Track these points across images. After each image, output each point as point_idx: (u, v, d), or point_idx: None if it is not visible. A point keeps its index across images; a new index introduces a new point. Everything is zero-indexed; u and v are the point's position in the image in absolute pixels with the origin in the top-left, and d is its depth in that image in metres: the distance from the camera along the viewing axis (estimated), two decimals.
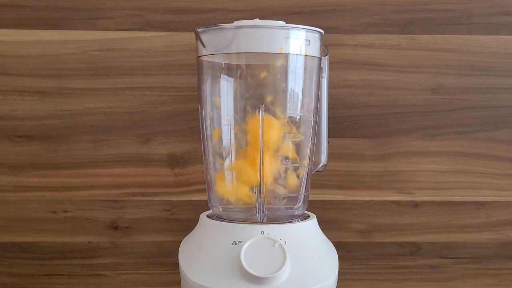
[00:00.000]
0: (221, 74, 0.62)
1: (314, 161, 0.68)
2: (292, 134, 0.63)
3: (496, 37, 0.80)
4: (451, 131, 0.81)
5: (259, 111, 0.61)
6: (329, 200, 0.81)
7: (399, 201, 0.81)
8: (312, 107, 0.65)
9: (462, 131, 0.81)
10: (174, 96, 0.79)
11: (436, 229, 0.82)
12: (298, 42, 0.60)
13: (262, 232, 0.58)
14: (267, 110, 0.61)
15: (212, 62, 0.63)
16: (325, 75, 0.68)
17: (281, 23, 0.60)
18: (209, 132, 0.64)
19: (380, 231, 0.82)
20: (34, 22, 0.78)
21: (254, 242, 0.57)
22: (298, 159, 0.64)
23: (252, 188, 0.62)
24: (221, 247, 0.58)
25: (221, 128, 0.63)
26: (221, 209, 0.64)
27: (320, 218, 0.65)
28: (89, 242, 0.81)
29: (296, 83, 0.62)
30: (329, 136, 0.70)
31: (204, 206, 0.69)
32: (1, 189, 0.79)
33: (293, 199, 0.65)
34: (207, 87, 0.64)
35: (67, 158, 0.79)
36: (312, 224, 0.63)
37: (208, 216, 0.64)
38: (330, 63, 0.69)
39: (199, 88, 0.65)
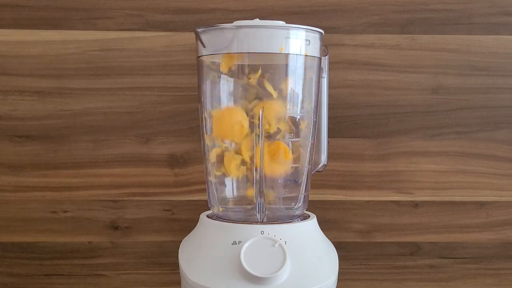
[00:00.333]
0: (221, 74, 0.62)
1: (314, 161, 0.68)
2: (292, 134, 0.63)
3: (496, 37, 0.80)
4: (451, 131, 0.81)
5: (258, 111, 0.61)
6: (329, 200, 0.81)
7: (399, 201, 0.81)
8: (312, 107, 0.65)
9: (462, 131, 0.81)
10: (174, 96, 0.79)
11: (436, 229, 0.82)
12: (298, 42, 0.60)
13: (262, 232, 0.58)
14: (267, 110, 0.61)
15: (212, 62, 0.63)
16: (325, 75, 0.68)
17: (281, 23, 0.60)
18: (209, 132, 0.64)
19: (380, 231, 0.82)
20: (34, 22, 0.78)
21: (254, 242, 0.57)
22: (298, 159, 0.64)
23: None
24: (221, 247, 0.58)
25: (220, 128, 0.63)
26: (221, 209, 0.64)
27: (320, 218, 0.65)
28: (89, 242, 0.81)
29: (296, 83, 0.62)
30: (329, 136, 0.70)
31: (204, 206, 0.69)
32: (1, 189, 0.79)
33: (293, 199, 0.65)
34: (207, 87, 0.64)
35: (67, 158, 0.79)
36: (312, 224, 0.63)
37: (208, 216, 0.64)
38: (330, 63, 0.69)
39: (199, 88, 0.65)
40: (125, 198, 0.80)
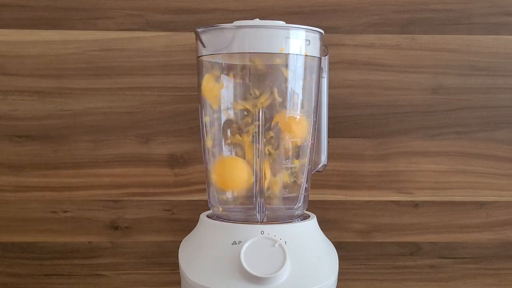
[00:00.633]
0: (221, 74, 0.62)
1: (314, 161, 0.68)
2: (292, 134, 0.63)
3: (496, 37, 0.80)
4: (451, 131, 0.81)
5: (258, 111, 0.61)
6: (329, 200, 0.81)
7: (399, 201, 0.81)
8: (312, 107, 0.65)
9: (462, 131, 0.81)
10: (174, 96, 0.79)
11: (436, 229, 0.82)
12: (298, 42, 0.60)
13: (262, 232, 0.58)
14: (267, 110, 0.61)
15: (212, 62, 0.63)
16: (325, 75, 0.68)
17: (281, 23, 0.60)
18: (209, 132, 0.64)
19: (380, 231, 0.82)
20: (34, 22, 0.78)
21: (254, 242, 0.57)
22: (298, 159, 0.64)
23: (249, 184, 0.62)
24: (221, 247, 0.58)
25: (221, 128, 0.63)
26: (221, 209, 0.64)
27: (320, 218, 0.65)
28: (89, 242, 0.81)
29: (296, 83, 0.62)
30: (329, 136, 0.70)
31: (204, 206, 0.69)
32: (1, 189, 0.79)
33: (293, 199, 0.65)
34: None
35: (67, 158, 0.79)
36: (312, 224, 0.63)
37: (208, 216, 0.64)
38: (330, 63, 0.69)
39: (199, 88, 0.65)
40: (125, 198, 0.80)
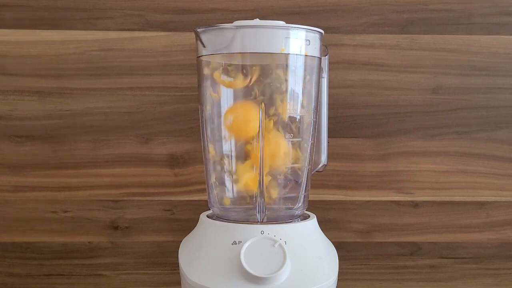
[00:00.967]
0: (221, 74, 0.62)
1: (314, 161, 0.68)
2: (292, 134, 0.63)
3: (496, 37, 0.80)
4: (451, 131, 0.81)
5: (258, 111, 0.61)
6: (329, 200, 0.81)
7: (399, 201, 0.81)
8: (312, 107, 0.65)
9: (462, 131, 0.81)
10: (174, 96, 0.79)
11: (436, 229, 0.82)
12: (298, 42, 0.60)
13: (262, 232, 0.58)
14: (267, 110, 0.61)
15: (212, 62, 0.63)
16: (325, 75, 0.68)
17: (281, 23, 0.60)
18: (209, 132, 0.64)
19: (380, 231, 0.82)
20: (34, 22, 0.78)
21: (254, 242, 0.57)
22: (298, 159, 0.64)
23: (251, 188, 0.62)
24: (221, 247, 0.58)
25: (221, 128, 0.63)
26: (221, 209, 0.64)
27: (320, 218, 0.65)
28: (89, 242, 0.81)
29: (296, 83, 0.62)
30: (329, 136, 0.70)
31: (204, 206, 0.69)
32: (1, 189, 0.79)
33: (293, 199, 0.65)
34: (207, 87, 0.64)
35: (67, 158, 0.79)
36: (312, 224, 0.63)
37: (208, 216, 0.64)
38: (330, 63, 0.69)
39: (199, 88, 0.65)
40: (125, 198, 0.80)
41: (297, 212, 0.65)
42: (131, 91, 0.79)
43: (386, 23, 0.79)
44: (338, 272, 0.61)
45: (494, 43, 0.80)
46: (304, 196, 0.65)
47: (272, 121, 0.61)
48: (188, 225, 0.69)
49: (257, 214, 0.62)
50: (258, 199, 0.62)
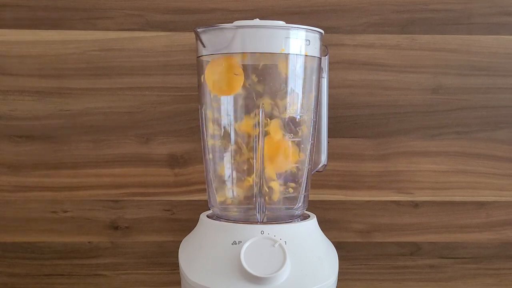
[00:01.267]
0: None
1: (314, 161, 0.68)
2: (292, 134, 0.63)
3: (496, 37, 0.80)
4: (451, 131, 0.81)
5: (258, 112, 0.61)
6: (329, 200, 0.81)
7: (399, 201, 0.81)
8: (312, 107, 0.65)
9: (462, 131, 0.81)
10: (174, 96, 0.79)
11: (436, 229, 0.82)
12: (298, 42, 0.60)
13: (262, 232, 0.58)
14: (267, 110, 0.61)
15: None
16: (325, 75, 0.68)
17: (281, 23, 0.60)
18: (209, 132, 0.64)
19: (380, 231, 0.82)
20: (34, 22, 0.78)
21: (254, 242, 0.57)
22: (298, 159, 0.64)
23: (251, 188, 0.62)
24: (221, 247, 0.58)
25: (221, 128, 0.63)
26: (221, 209, 0.64)
27: (320, 218, 0.65)
28: (89, 242, 0.81)
29: (296, 83, 0.62)
30: (329, 136, 0.70)
31: (204, 206, 0.69)
32: (1, 189, 0.79)
33: (293, 199, 0.65)
34: (207, 87, 0.64)
35: (67, 158, 0.79)
36: (312, 224, 0.63)
37: (208, 216, 0.64)
38: (330, 63, 0.69)
39: (199, 88, 0.65)
40: (125, 198, 0.80)
41: (297, 212, 0.65)
42: (131, 91, 0.79)
43: (386, 23, 0.79)
44: (338, 272, 0.61)
45: (494, 43, 0.80)
46: (304, 196, 0.65)
47: (272, 121, 0.61)
48: (188, 225, 0.69)
49: (257, 214, 0.62)
50: (258, 199, 0.62)
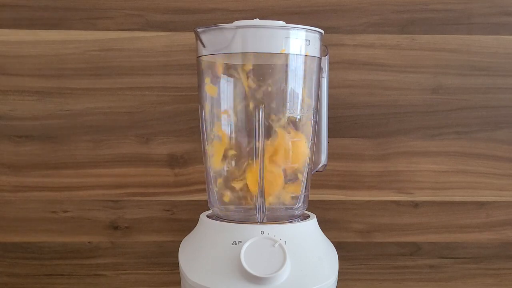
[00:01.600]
0: (221, 74, 0.62)
1: (314, 161, 0.68)
2: (292, 134, 0.63)
3: (496, 37, 0.80)
4: (451, 131, 0.81)
5: (258, 112, 0.61)
6: (329, 200, 0.81)
7: (399, 201, 0.81)
8: (312, 107, 0.65)
9: (462, 131, 0.81)
10: (174, 96, 0.79)
11: (436, 229, 0.82)
12: (298, 42, 0.60)
13: (262, 232, 0.58)
14: (267, 110, 0.61)
15: (212, 62, 0.63)
16: (325, 75, 0.68)
17: (281, 23, 0.60)
18: (209, 132, 0.64)
19: (380, 231, 0.82)
20: (34, 22, 0.78)
21: (254, 242, 0.57)
22: (298, 159, 0.64)
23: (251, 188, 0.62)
24: (221, 247, 0.58)
25: (221, 128, 0.63)
26: (221, 209, 0.64)
27: (320, 218, 0.65)
28: (89, 242, 0.81)
29: (296, 83, 0.62)
30: (329, 136, 0.70)
31: (204, 206, 0.69)
32: (1, 189, 0.79)
33: (293, 199, 0.65)
34: (207, 87, 0.64)
35: (67, 158, 0.79)
36: (312, 224, 0.63)
37: (208, 216, 0.64)
38: (330, 63, 0.69)
39: (199, 88, 0.65)
40: (125, 198, 0.80)
41: (297, 212, 0.65)
42: (131, 91, 0.79)
43: (386, 23, 0.79)
44: (338, 272, 0.61)
45: (494, 43, 0.80)
46: (304, 196, 0.65)
47: (272, 121, 0.61)
48: (188, 225, 0.69)
49: (257, 214, 0.62)
50: (258, 199, 0.62)
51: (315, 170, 0.69)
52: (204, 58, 0.63)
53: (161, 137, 0.79)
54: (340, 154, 0.80)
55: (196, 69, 0.65)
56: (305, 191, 0.65)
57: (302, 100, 0.63)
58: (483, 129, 0.81)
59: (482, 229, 0.82)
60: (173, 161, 0.80)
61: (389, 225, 0.81)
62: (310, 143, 0.65)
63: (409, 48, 0.79)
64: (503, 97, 0.80)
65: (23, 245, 0.80)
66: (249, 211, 0.63)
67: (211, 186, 0.65)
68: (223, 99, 0.63)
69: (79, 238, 0.80)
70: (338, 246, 0.67)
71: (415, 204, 0.81)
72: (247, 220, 0.63)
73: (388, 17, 0.79)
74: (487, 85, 0.80)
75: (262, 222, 0.62)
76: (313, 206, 0.76)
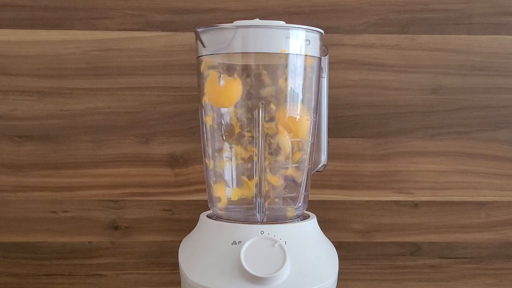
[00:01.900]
0: (221, 74, 0.62)
1: (314, 161, 0.68)
2: (292, 134, 0.63)
3: (496, 37, 0.80)
4: (451, 131, 0.81)
5: (258, 111, 0.61)
6: (329, 200, 0.81)
7: (399, 201, 0.81)
8: (312, 107, 0.65)
9: (462, 131, 0.81)
10: (174, 96, 0.79)
11: (436, 229, 0.82)
12: (298, 42, 0.60)
13: (262, 232, 0.58)
14: (267, 110, 0.61)
15: (212, 62, 0.63)
16: (325, 75, 0.68)
17: (281, 23, 0.60)
18: (209, 132, 0.64)
19: (380, 231, 0.82)
20: (34, 22, 0.78)
21: (254, 242, 0.57)
22: (298, 159, 0.64)
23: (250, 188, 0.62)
24: (221, 247, 0.58)
25: (221, 128, 0.63)
26: (221, 209, 0.64)
27: (320, 218, 0.65)
28: (89, 242, 0.81)
29: (296, 83, 0.62)
30: (329, 136, 0.70)
31: (204, 206, 0.69)
32: (1, 189, 0.79)
33: (293, 199, 0.65)
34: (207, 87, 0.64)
35: (67, 158, 0.79)
36: (312, 224, 0.63)
37: (208, 216, 0.64)
38: (330, 63, 0.69)
39: (199, 88, 0.65)
40: (125, 198, 0.80)
41: (297, 212, 0.65)
42: (131, 91, 0.79)
43: (386, 23, 0.79)
44: (338, 272, 0.61)
45: (494, 43, 0.80)
46: (304, 196, 0.65)
47: (271, 121, 0.61)
48: (188, 225, 0.69)
49: (257, 214, 0.62)
50: (258, 199, 0.62)
51: (315, 170, 0.69)
52: (204, 58, 0.63)
53: (161, 137, 0.79)
54: (340, 154, 0.80)
55: (196, 69, 0.65)
56: (305, 191, 0.65)
57: (302, 100, 0.63)
58: (483, 129, 0.81)
59: (482, 229, 0.82)
60: (173, 161, 0.80)
61: (389, 225, 0.81)
62: (310, 143, 0.65)
63: (409, 48, 0.79)
64: (503, 97, 0.80)
65: (23, 245, 0.80)
66: (249, 211, 0.63)
67: (211, 186, 0.65)
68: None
69: (79, 238, 0.80)
70: (338, 246, 0.67)
71: (415, 204, 0.81)
72: (247, 220, 0.63)
73: (388, 17, 0.79)
74: (487, 85, 0.80)
75: (262, 222, 0.62)
76: (313, 206, 0.76)
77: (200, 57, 0.63)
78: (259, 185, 0.62)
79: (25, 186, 0.79)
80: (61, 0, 0.77)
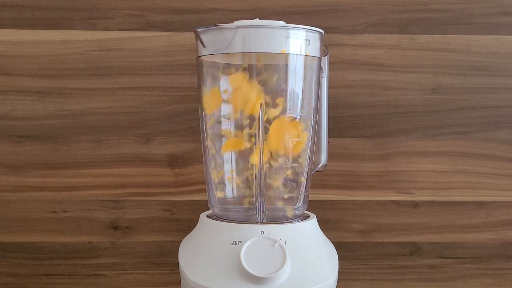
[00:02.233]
0: (221, 74, 0.62)
1: (314, 161, 0.68)
2: (292, 134, 0.63)
3: (496, 37, 0.80)
4: (451, 131, 0.81)
5: (258, 112, 0.61)
6: (329, 200, 0.81)
7: (399, 201, 0.81)
8: (312, 107, 0.65)
9: (462, 131, 0.81)
10: (174, 96, 0.79)
11: (436, 229, 0.82)
12: (298, 42, 0.60)
13: (262, 232, 0.58)
14: (267, 110, 0.61)
15: (212, 62, 0.63)
16: (325, 75, 0.68)
17: (281, 23, 0.60)
18: (209, 132, 0.64)
19: (380, 231, 0.82)
20: (34, 22, 0.78)
21: (254, 242, 0.57)
22: (298, 159, 0.64)
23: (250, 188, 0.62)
24: (221, 247, 0.58)
25: (221, 128, 0.63)
26: (221, 209, 0.64)
27: (320, 218, 0.65)
28: (89, 242, 0.81)
29: (296, 83, 0.62)
30: (329, 136, 0.70)
31: (204, 206, 0.69)
32: (1, 189, 0.79)
33: (293, 199, 0.65)
34: (207, 87, 0.64)
35: (67, 158, 0.79)
36: (312, 224, 0.63)
37: (208, 216, 0.64)
38: (330, 63, 0.69)
39: (199, 88, 0.65)
40: (125, 198, 0.80)
41: (297, 212, 0.65)
42: (131, 91, 0.79)
43: (386, 23, 0.79)
44: (338, 272, 0.61)
45: (494, 43, 0.80)
46: (304, 196, 0.65)
47: (271, 121, 0.61)
48: (188, 225, 0.69)
49: (257, 214, 0.62)
50: (258, 199, 0.62)
51: (315, 170, 0.69)
52: (204, 58, 0.63)
53: (161, 137, 0.79)
54: (340, 154, 0.80)
55: (196, 69, 0.65)
56: (305, 191, 0.65)
57: (302, 100, 0.63)
58: (483, 129, 0.81)
59: (482, 229, 0.82)
60: (173, 161, 0.80)
61: (389, 225, 0.81)
62: (310, 143, 0.65)
63: (409, 48, 0.79)
64: (503, 97, 0.80)
65: (23, 245, 0.80)
66: (249, 211, 0.63)
67: (211, 186, 0.65)
68: (223, 99, 0.62)
69: (79, 238, 0.80)
70: (338, 246, 0.67)
71: (415, 204, 0.81)
72: (247, 220, 0.63)
73: (388, 17, 0.79)
74: (487, 85, 0.80)
75: (262, 222, 0.62)
76: (313, 206, 0.77)
77: (200, 57, 0.63)
78: (259, 185, 0.62)
79: (25, 186, 0.79)
80: (61, 0, 0.77)
